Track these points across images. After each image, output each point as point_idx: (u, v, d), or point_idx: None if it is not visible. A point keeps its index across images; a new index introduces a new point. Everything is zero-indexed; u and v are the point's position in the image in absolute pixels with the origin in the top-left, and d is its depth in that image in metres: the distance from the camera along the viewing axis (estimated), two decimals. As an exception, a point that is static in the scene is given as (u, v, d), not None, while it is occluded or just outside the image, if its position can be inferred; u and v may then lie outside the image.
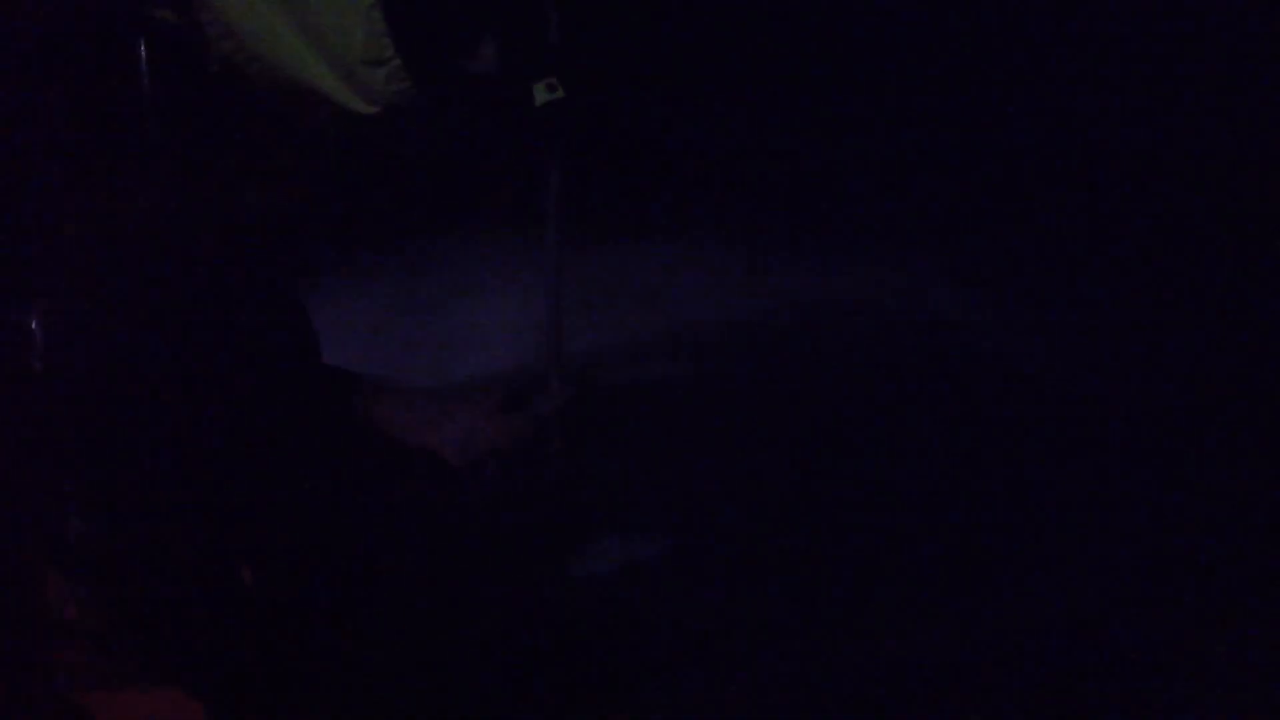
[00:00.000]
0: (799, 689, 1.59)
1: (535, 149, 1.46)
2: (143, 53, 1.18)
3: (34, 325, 1.34)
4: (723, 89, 2.17)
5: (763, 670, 1.60)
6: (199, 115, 1.24)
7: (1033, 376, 2.28)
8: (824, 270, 2.29)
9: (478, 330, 2.06)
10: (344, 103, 1.20)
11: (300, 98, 1.21)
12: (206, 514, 1.45)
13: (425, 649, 1.58)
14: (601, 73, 1.37)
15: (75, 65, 1.21)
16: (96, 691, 1.58)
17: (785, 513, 1.85)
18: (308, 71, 1.19)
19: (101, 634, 1.57)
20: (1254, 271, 2.41)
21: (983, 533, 1.86)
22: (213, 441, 1.43)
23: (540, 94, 1.39)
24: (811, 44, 2.31)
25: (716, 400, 2.03)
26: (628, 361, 1.98)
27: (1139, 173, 2.56)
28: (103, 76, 1.21)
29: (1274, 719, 1.56)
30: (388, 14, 1.17)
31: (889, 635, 1.66)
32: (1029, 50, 2.63)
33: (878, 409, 2.05)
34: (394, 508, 1.65)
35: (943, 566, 1.79)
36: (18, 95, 1.21)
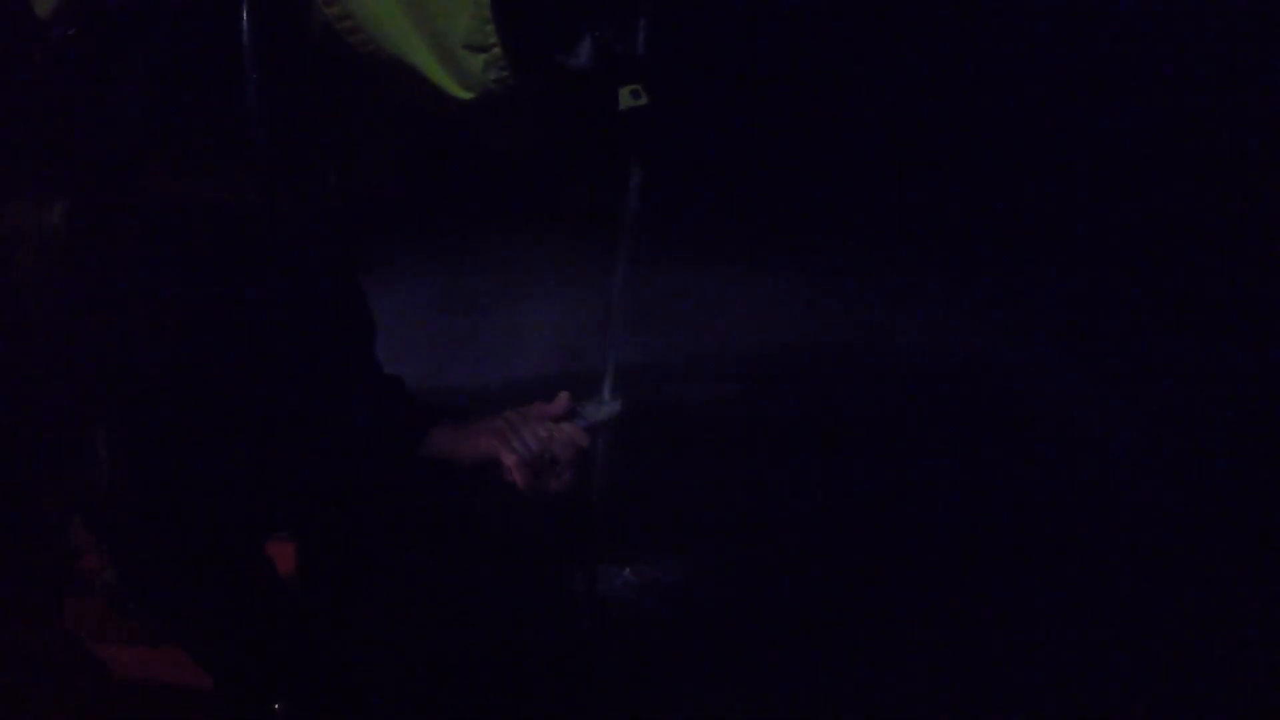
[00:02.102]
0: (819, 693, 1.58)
1: (612, 155, 1.45)
2: (245, 14, 1.18)
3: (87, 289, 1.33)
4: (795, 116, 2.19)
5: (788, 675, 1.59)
6: (296, 86, 1.24)
7: (1055, 403, 2.30)
8: (875, 301, 2.29)
9: (522, 331, 2.05)
10: (441, 85, 1.20)
11: (397, 76, 1.20)
12: (241, 487, 1.44)
13: (441, 644, 1.56)
14: (686, 85, 1.37)
15: (175, 22, 1.21)
16: (110, 645, 1.57)
17: (817, 535, 1.84)
18: (409, 49, 1.18)
19: (117, 588, 1.55)
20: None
21: (1000, 546, 1.87)
22: (258, 415, 1.42)
23: (625, 99, 1.39)
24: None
25: (760, 422, 2.02)
26: (676, 378, 1.96)
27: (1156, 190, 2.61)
28: (203, 36, 1.20)
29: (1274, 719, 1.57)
30: (494, 1, 1.17)
31: (914, 642, 1.66)
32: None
33: (912, 438, 2.05)
34: (430, 506, 1.63)
35: (966, 577, 1.79)
36: (113, 52, 1.20)
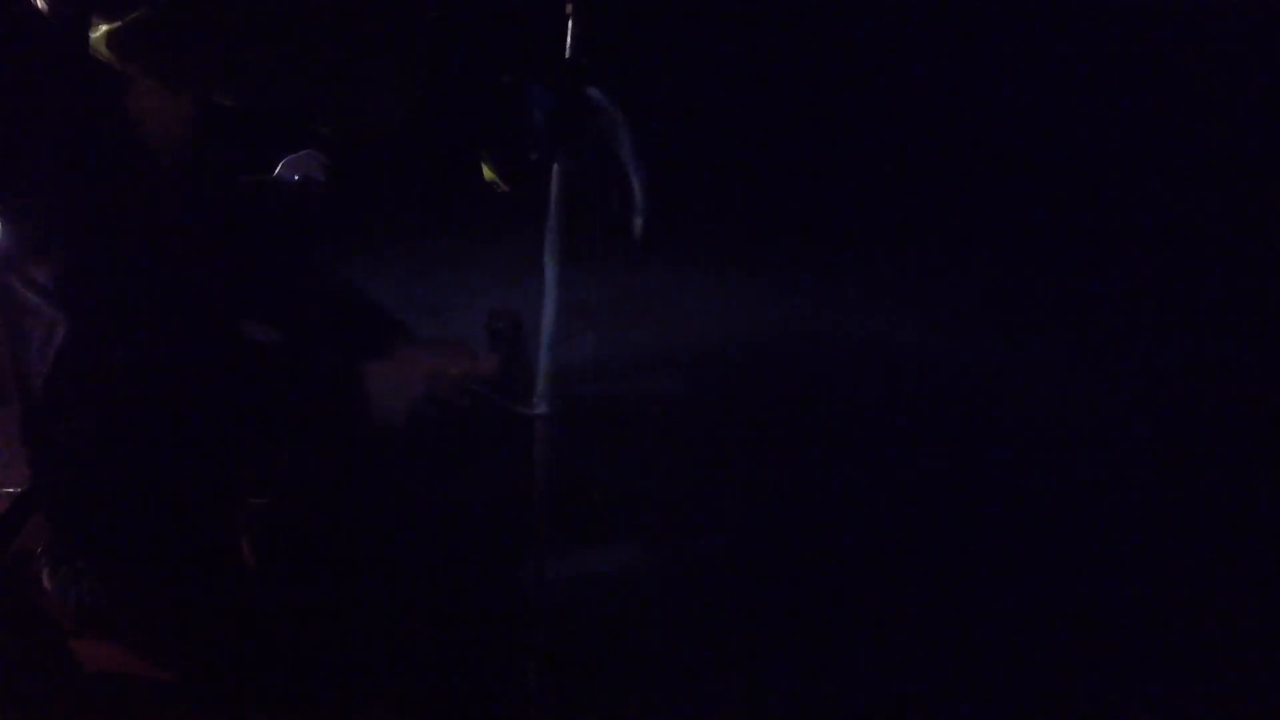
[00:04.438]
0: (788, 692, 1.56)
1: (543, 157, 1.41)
2: None
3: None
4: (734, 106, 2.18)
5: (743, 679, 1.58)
6: None
7: (1022, 391, 2.30)
8: (821, 294, 2.29)
9: (476, 333, 2.04)
10: None
11: None
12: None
13: (407, 644, 1.55)
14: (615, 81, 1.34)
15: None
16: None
17: (768, 524, 1.84)
18: None
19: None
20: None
21: (976, 538, 1.85)
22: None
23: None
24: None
25: (706, 415, 2.01)
26: (622, 373, 1.95)
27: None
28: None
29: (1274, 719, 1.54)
30: None
31: (878, 644, 1.64)
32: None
33: (863, 429, 2.05)
34: (387, 501, 1.63)
35: (932, 573, 1.78)
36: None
